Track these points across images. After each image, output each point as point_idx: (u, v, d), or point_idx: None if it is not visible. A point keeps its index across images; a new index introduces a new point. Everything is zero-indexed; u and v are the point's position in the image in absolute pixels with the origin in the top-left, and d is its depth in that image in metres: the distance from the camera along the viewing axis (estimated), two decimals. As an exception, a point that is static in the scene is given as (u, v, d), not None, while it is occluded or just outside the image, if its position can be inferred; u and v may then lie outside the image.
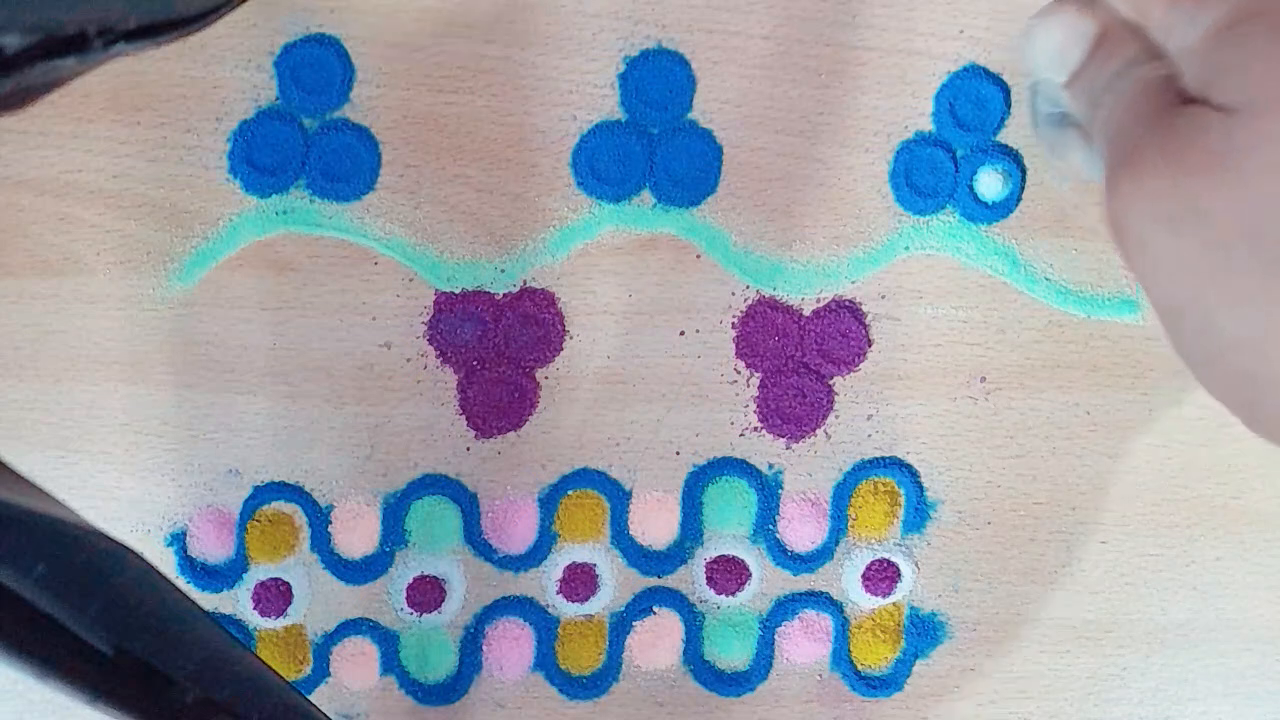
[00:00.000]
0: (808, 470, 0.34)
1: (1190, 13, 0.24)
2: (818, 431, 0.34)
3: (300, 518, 0.33)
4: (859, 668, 0.35)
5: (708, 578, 0.34)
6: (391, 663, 0.34)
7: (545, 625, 0.34)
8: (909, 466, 0.34)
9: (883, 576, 0.34)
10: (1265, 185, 0.21)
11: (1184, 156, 0.22)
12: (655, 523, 0.34)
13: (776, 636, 0.35)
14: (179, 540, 0.32)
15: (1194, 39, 0.23)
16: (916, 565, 0.35)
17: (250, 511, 0.32)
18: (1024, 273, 0.33)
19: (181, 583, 0.33)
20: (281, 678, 0.24)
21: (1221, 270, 0.21)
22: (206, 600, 0.33)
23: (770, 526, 0.34)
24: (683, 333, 0.33)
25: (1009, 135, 0.33)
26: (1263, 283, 0.21)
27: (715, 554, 0.34)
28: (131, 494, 0.32)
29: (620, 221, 0.32)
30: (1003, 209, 0.33)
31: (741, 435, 0.33)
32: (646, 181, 0.32)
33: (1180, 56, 0.24)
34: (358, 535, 0.33)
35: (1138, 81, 0.24)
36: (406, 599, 0.33)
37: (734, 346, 0.33)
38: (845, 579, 0.34)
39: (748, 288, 0.33)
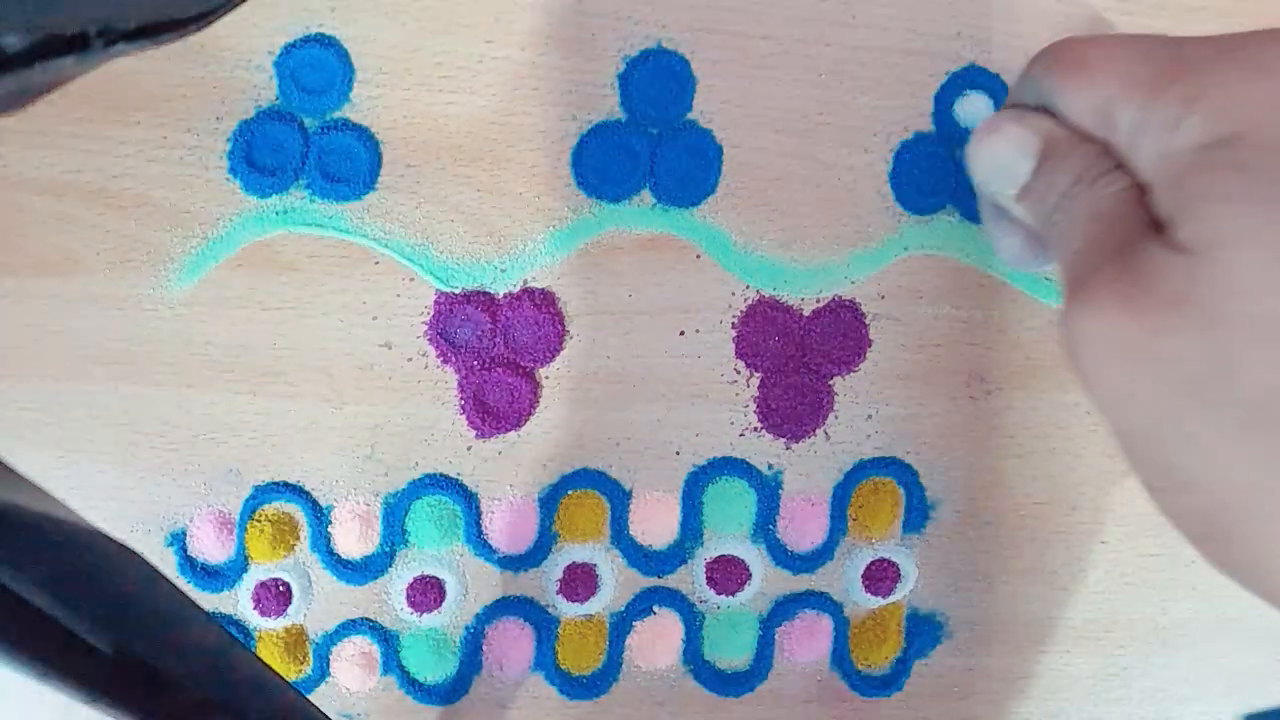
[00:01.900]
0: (808, 470, 0.34)
1: (1171, 117, 0.22)
2: (818, 431, 0.34)
3: (300, 518, 0.33)
4: (859, 668, 0.35)
5: (708, 578, 0.34)
6: (391, 663, 0.34)
7: (545, 625, 0.34)
8: (909, 466, 0.34)
9: (883, 576, 0.34)
10: (1228, 335, 0.20)
11: (1143, 302, 0.21)
12: (655, 523, 0.34)
13: (776, 636, 0.35)
14: (179, 540, 0.32)
15: (1174, 147, 0.21)
16: (916, 565, 0.34)
17: (250, 511, 0.33)
18: (1024, 273, 0.33)
19: (181, 583, 0.33)
20: (281, 678, 0.24)
21: (1183, 415, 0.20)
22: (206, 600, 0.33)
23: (770, 526, 0.34)
24: (683, 333, 0.33)
25: (1009, 135, 0.33)
26: (1228, 432, 0.20)
27: (715, 554, 0.34)
28: (131, 494, 0.32)
29: (620, 221, 0.32)
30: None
31: (741, 435, 0.33)
32: (646, 181, 0.32)
33: (1153, 167, 0.22)
34: (358, 535, 0.33)
35: (1092, 202, 0.23)
36: (406, 599, 0.33)
37: (734, 346, 0.33)
38: (845, 579, 0.34)
39: (748, 288, 0.33)
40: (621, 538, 0.34)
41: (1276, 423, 0.19)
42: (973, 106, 0.32)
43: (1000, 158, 0.25)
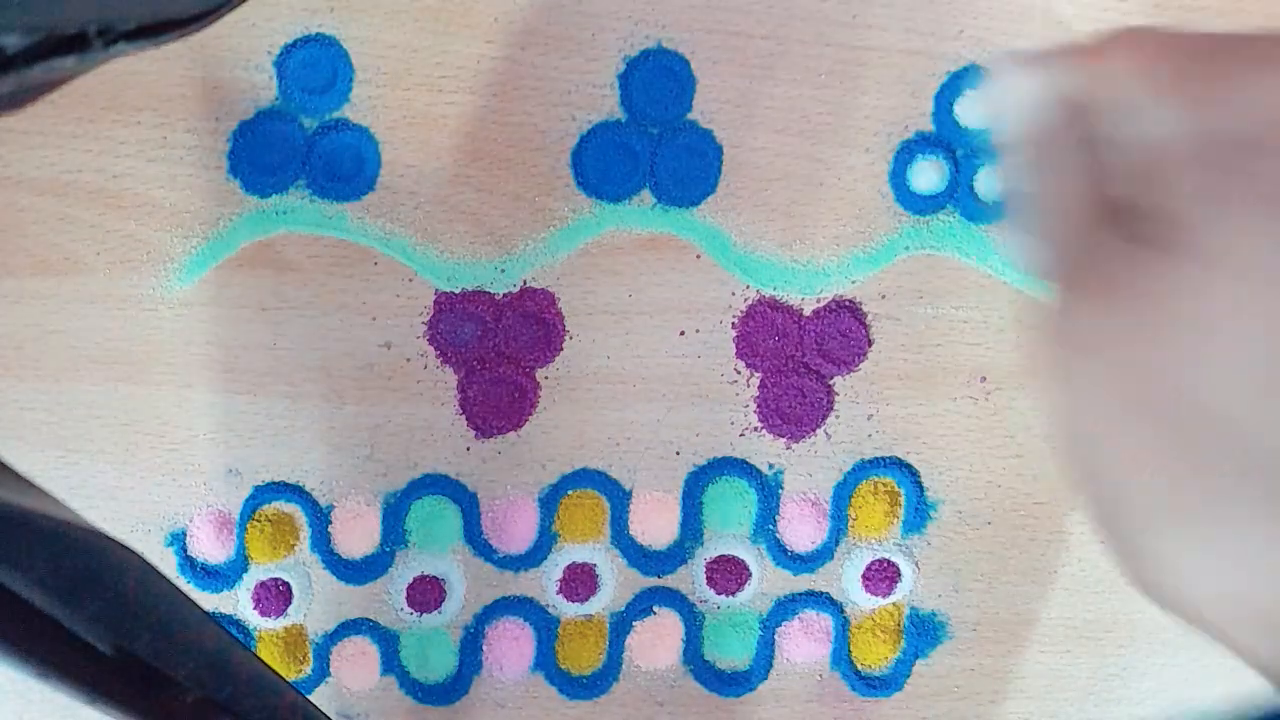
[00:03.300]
0: (808, 470, 0.34)
1: (1173, 109, 0.20)
2: (818, 431, 0.34)
3: (300, 518, 0.33)
4: (859, 668, 0.35)
5: (708, 578, 0.34)
6: (391, 663, 0.34)
7: (545, 625, 0.34)
8: (909, 466, 0.34)
9: (883, 576, 0.34)
10: (1183, 345, 0.19)
11: (1106, 291, 0.20)
12: (655, 523, 0.34)
13: (776, 636, 0.35)
14: (179, 540, 0.32)
15: (1164, 139, 0.20)
16: (916, 565, 0.35)
17: (250, 511, 0.32)
18: (1024, 272, 0.33)
19: (181, 583, 0.33)
20: (282, 678, 0.24)
21: (1114, 418, 0.19)
22: (206, 600, 0.33)
23: (770, 526, 0.34)
24: (683, 333, 0.33)
25: (1009, 135, 0.33)
26: (1152, 448, 0.19)
27: (715, 554, 0.34)
28: (131, 494, 0.32)
29: (620, 221, 0.32)
30: (1003, 209, 0.33)
31: (741, 435, 0.33)
32: (646, 181, 0.32)
33: (1138, 153, 0.21)
34: (358, 535, 0.33)
35: (1081, 168, 0.22)
36: (406, 599, 0.33)
37: (734, 346, 0.33)
38: (845, 579, 0.34)
39: (748, 288, 0.33)
40: (621, 538, 0.34)
41: (1198, 449, 0.19)
42: (973, 106, 0.32)
43: (1016, 94, 0.25)
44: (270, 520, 0.33)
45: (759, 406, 0.33)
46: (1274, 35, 0.21)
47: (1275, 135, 0.19)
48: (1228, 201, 0.19)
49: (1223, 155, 0.20)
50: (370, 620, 0.33)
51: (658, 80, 0.31)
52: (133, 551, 0.21)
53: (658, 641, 0.34)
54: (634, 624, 0.34)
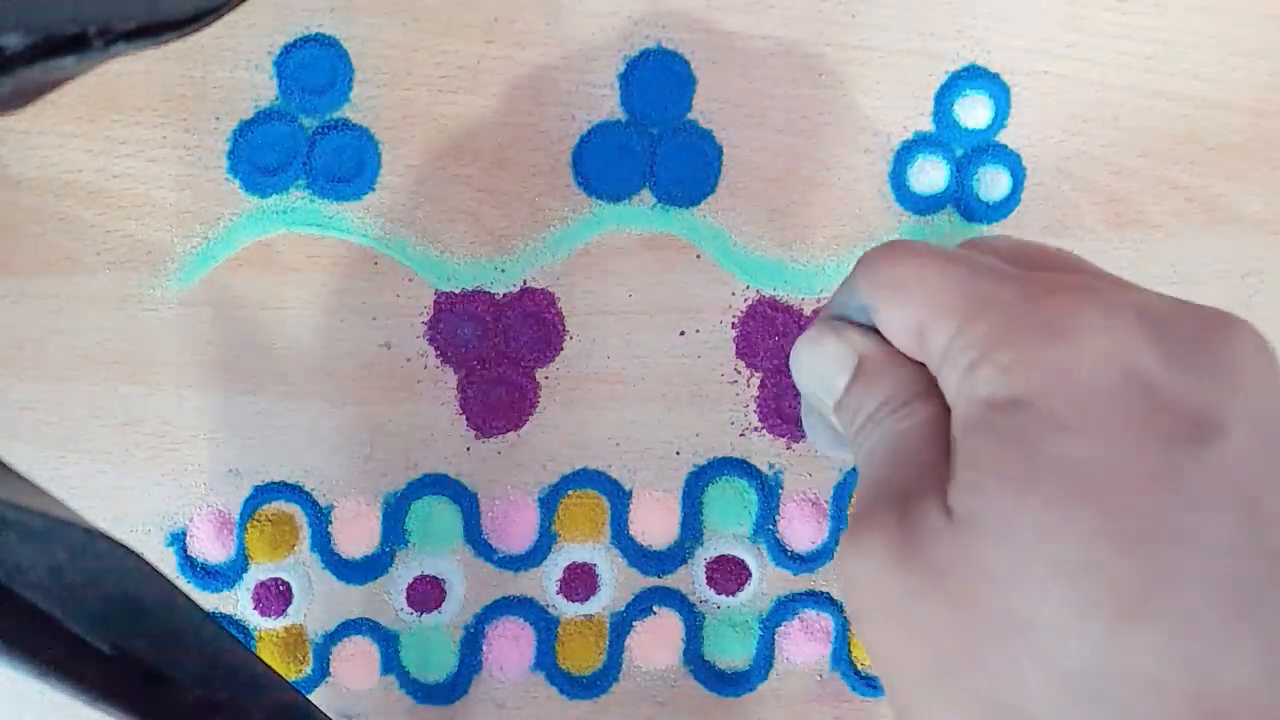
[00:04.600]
0: (808, 470, 0.34)
1: (970, 357, 0.20)
2: (818, 431, 0.34)
3: (300, 518, 0.33)
4: (859, 667, 0.35)
5: (708, 578, 0.34)
6: (391, 663, 0.34)
7: (545, 625, 0.34)
8: (909, 466, 0.34)
9: (883, 576, 0.34)
10: (975, 622, 0.18)
11: (911, 563, 0.19)
12: (655, 523, 0.34)
13: (776, 636, 0.35)
14: (179, 540, 0.32)
15: (967, 391, 0.20)
16: (916, 565, 0.34)
17: (250, 511, 0.33)
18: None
19: (181, 583, 0.33)
20: (282, 678, 0.24)
21: (930, 690, 0.19)
22: (206, 600, 0.33)
23: (770, 526, 0.34)
24: (683, 333, 0.33)
25: (1009, 135, 0.33)
26: (939, 712, 0.19)
27: (715, 554, 0.34)
28: (131, 494, 0.32)
29: (620, 221, 0.32)
30: (1003, 209, 0.33)
31: (741, 435, 0.33)
32: (646, 181, 0.32)
33: (952, 400, 0.21)
34: (358, 535, 0.33)
35: (888, 434, 0.22)
36: (406, 599, 0.33)
37: (734, 346, 0.33)
38: (845, 579, 0.34)
39: (748, 288, 0.33)
40: (621, 538, 0.34)
41: None
42: (973, 106, 0.32)
43: (818, 369, 0.24)
44: (270, 520, 0.33)
45: (759, 406, 0.33)
46: (1082, 282, 0.20)
47: (1075, 413, 0.19)
48: (1003, 475, 0.19)
49: (1001, 421, 0.19)
50: (370, 620, 0.33)
51: (658, 80, 0.31)
52: (133, 551, 0.21)
53: (658, 641, 0.34)
54: (634, 624, 0.34)
